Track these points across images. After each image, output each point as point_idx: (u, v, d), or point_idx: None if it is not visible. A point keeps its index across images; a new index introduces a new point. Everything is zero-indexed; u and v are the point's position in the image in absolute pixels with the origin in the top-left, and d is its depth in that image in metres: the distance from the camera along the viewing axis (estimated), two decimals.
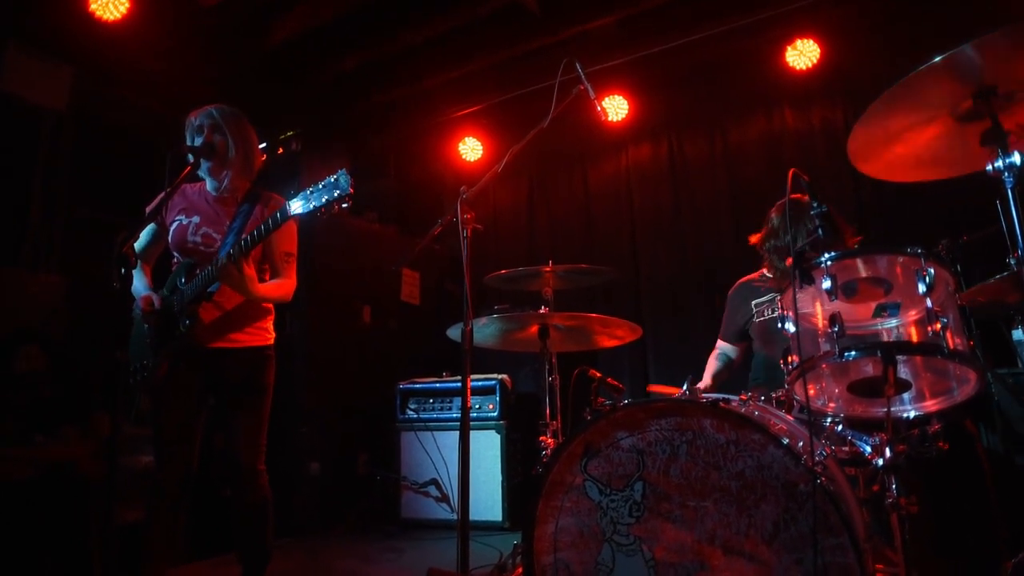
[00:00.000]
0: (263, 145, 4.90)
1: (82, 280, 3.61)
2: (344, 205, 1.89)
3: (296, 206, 1.96)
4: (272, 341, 2.35)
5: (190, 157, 2.11)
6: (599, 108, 2.26)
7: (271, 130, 4.72)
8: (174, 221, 2.24)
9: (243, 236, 2.11)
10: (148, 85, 4.27)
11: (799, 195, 1.69)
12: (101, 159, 4.15)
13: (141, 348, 2.24)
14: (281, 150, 4.59)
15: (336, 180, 1.88)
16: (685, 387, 1.77)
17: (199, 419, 2.21)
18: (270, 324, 2.36)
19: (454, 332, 2.40)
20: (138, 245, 2.23)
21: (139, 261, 2.20)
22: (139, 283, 2.23)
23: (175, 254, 2.28)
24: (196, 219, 2.24)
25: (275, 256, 2.26)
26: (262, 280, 2.25)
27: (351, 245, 4.56)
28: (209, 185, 2.30)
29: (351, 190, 1.87)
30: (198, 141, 2.19)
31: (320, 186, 1.91)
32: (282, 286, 2.26)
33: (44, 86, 3.81)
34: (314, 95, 4.86)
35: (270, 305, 2.34)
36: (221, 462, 2.31)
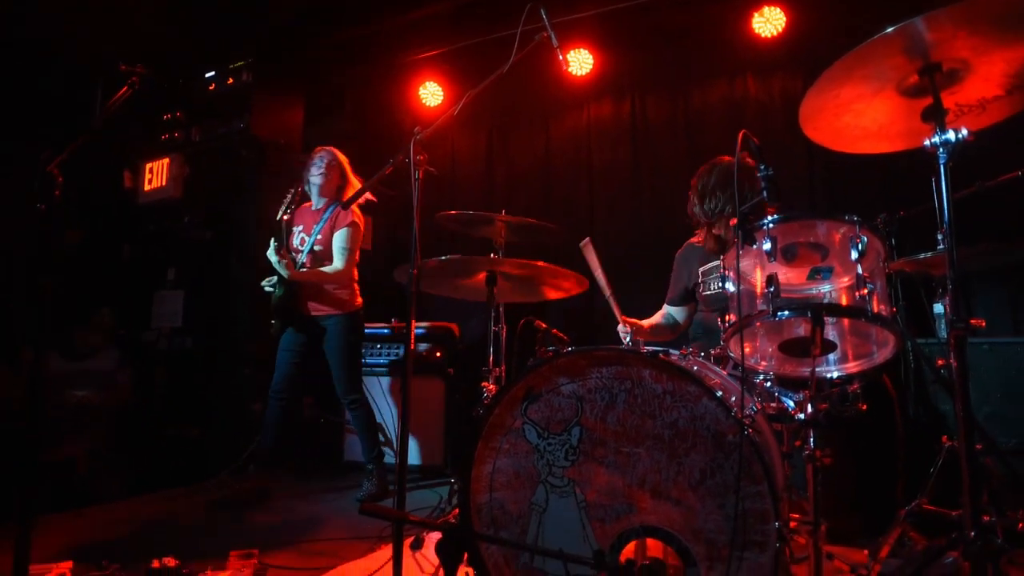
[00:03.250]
0: (211, 74, 4.68)
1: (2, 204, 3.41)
2: None
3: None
4: (343, 310, 3.35)
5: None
6: (561, 58, 2.22)
7: (223, 62, 4.48)
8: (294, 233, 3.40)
9: (314, 235, 3.30)
10: (82, 8, 3.98)
11: (738, 157, 1.71)
12: (27, 80, 3.88)
13: None
14: (231, 80, 4.38)
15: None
16: (628, 338, 1.81)
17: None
18: (343, 295, 3.35)
19: (401, 274, 2.38)
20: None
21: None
22: None
23: None
24: (300, 227, 3.41)
25: (335, 249, 3.29)
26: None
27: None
28: (313, 204, 3.43)
29: None
30: (314, 172, 3.33)
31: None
32: (324, 272, 3.28)
33: None
34: (269, 29, 4.63)
35: (352, 286, 3.40)
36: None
